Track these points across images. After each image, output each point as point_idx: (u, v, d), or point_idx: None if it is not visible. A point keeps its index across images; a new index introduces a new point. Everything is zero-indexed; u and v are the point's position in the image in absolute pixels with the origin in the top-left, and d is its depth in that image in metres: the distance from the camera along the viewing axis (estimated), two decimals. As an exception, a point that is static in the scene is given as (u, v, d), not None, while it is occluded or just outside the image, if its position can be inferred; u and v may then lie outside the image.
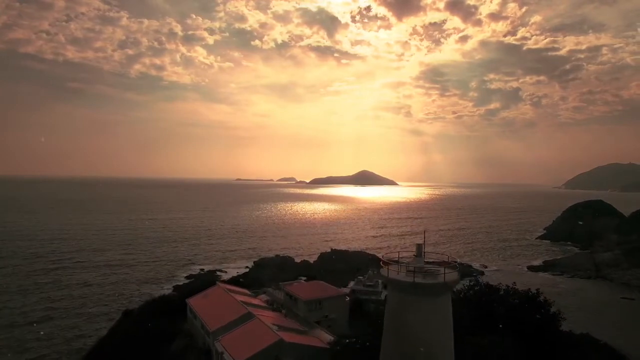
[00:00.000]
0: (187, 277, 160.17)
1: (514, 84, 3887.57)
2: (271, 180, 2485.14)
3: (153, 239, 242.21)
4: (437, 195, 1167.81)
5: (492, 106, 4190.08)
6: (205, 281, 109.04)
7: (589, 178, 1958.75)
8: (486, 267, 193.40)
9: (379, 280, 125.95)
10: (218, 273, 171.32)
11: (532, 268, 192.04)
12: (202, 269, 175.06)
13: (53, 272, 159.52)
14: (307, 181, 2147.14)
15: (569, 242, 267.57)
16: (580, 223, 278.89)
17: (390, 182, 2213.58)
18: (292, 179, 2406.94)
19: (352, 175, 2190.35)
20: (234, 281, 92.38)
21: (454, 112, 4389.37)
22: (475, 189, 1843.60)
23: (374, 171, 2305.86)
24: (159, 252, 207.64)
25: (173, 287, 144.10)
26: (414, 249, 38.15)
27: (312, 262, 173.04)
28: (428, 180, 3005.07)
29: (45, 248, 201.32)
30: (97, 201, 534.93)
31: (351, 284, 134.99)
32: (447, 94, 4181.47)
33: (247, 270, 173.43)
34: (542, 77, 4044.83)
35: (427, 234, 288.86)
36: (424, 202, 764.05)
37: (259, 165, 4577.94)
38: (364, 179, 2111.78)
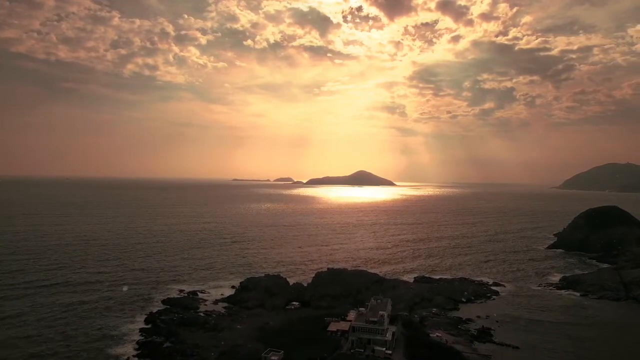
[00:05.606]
0: (163, 302, 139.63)
1: (508, 84, 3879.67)
2: (268, 180, 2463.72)
3: (135, 251, 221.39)
4: (436, 195, 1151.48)
5: (486, 106, 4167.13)
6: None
7: (586, 178, 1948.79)
8: (500, 284, 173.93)
9: (384, 314, 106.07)
10: (200, 295, 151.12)
11: (551, 286, 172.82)
12: (182, 290, 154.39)
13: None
14: (304, 181, 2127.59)
15: (583, 252, 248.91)
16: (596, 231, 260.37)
17: (387, 182, 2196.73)
18: (288, 179, 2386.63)
19: (349, 176, 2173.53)
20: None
21: (448, 112, 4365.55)
22: (472, 189, 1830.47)
23: (371, 171, 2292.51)
24: (139, 266, 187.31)
25: (144, 318, 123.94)
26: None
27: (305, 284, 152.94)
28: (425, 180, 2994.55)
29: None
30: (86, 206, 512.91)
31: (351, 314, 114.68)
32: (441, 93, 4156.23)
33: (233, 291, 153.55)
34: (535, 77, 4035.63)
35: (431, 243, 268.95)
36: (423, 204, 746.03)
37: (256, 165, 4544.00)
38: (361, 179, 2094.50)
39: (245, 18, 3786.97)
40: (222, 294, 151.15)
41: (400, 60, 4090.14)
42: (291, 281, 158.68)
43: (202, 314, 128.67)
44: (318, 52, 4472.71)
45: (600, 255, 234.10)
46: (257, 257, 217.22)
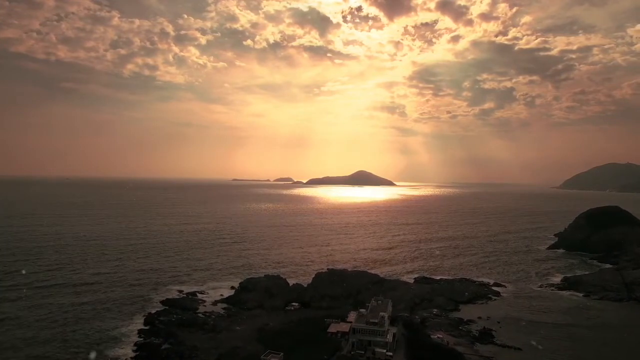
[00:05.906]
0: (162, 303, 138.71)
1: (508, 84, 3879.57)
2: (268, 180, 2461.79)
3: (134, 252, 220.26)
4: (436, 195, 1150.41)
5: (486, 106, 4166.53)
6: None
7: (586, 178, 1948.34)
8: (501, 285, 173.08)
9: (385, 315, 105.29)
10: (199, 295, 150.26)
11: (553, 287, 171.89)
12: (181, 291, 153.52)
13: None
14: (304, 181, 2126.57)
15: (584, 253, 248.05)
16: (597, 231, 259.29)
17: (387, 182, 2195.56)
18: (288, 179, 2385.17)
19: (349, 176, 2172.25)
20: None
21: (448, 112, 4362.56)
22: (472, 189, 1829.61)
23: (370, 171, 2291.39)
24: (139, 267, 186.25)
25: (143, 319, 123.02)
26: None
27: (305, 285, 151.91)
28: (425, 180, 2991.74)
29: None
30: (85, 206, 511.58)
31: (351, 315, 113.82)
32: (440, 93, 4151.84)
33: (232, 292, 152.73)
34: (535, 77, 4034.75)
35: (431, 243, 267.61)
36: (423, 204, 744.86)
37: (256, 165, 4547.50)
38: (361, 179, 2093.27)
39: (245, 18, 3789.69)
40: (221, 295, 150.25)
41: (400, 60, 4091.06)
42: (291, 282, 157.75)
43: (201, 315, 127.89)
44: (318, 52, 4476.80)
45: (601, 256, 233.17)
46: (256, 258, 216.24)
